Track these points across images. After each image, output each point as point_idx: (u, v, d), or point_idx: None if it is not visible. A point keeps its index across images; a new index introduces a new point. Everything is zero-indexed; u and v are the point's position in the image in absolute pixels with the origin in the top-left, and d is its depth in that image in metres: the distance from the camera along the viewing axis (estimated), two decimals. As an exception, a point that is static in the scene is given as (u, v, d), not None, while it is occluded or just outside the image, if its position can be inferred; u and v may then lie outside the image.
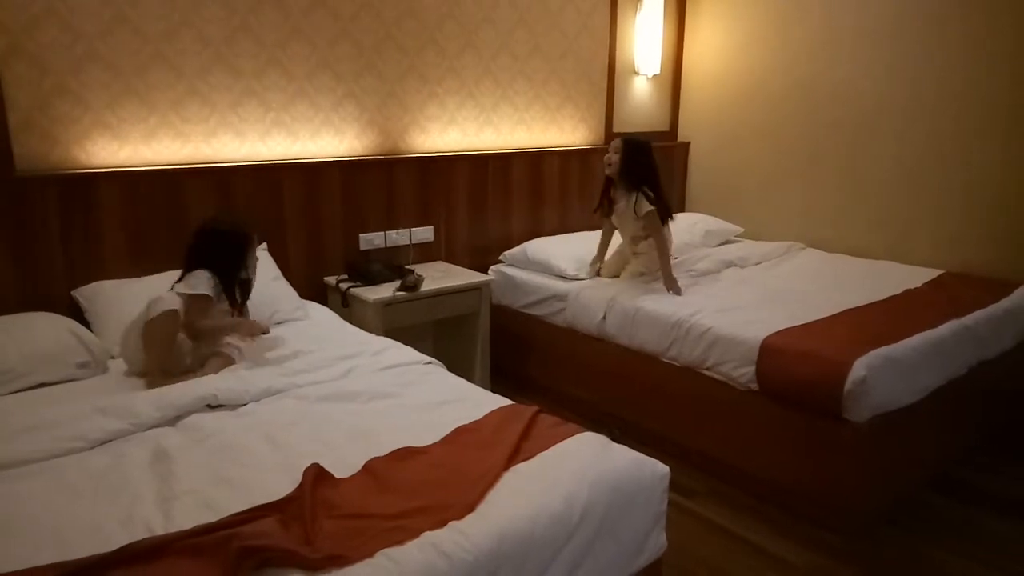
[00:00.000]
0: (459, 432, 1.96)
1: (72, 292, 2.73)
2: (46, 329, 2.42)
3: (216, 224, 2.54)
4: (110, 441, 1.92)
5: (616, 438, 1.99)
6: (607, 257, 3.72)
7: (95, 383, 2.34)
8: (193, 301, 2.40)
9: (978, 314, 2.98)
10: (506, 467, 1.76)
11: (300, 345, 2.60)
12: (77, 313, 2.68)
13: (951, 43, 3.62)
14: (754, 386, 2.73)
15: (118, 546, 1.42)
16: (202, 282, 2.43)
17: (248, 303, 2.64)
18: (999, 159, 3.52)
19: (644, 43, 4.49)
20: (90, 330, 2.56)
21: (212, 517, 1.54)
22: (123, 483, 1.72)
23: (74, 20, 2.65)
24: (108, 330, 2.59)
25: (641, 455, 1.90)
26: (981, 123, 3.56)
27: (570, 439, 1.91)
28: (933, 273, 3.57)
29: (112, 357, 2.52)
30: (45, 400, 2.18)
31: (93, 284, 2.75)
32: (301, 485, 1.65)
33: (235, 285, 2.54)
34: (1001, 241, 3.56)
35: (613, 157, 3.41)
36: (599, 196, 3.57)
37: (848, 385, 2.43)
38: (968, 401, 3.03)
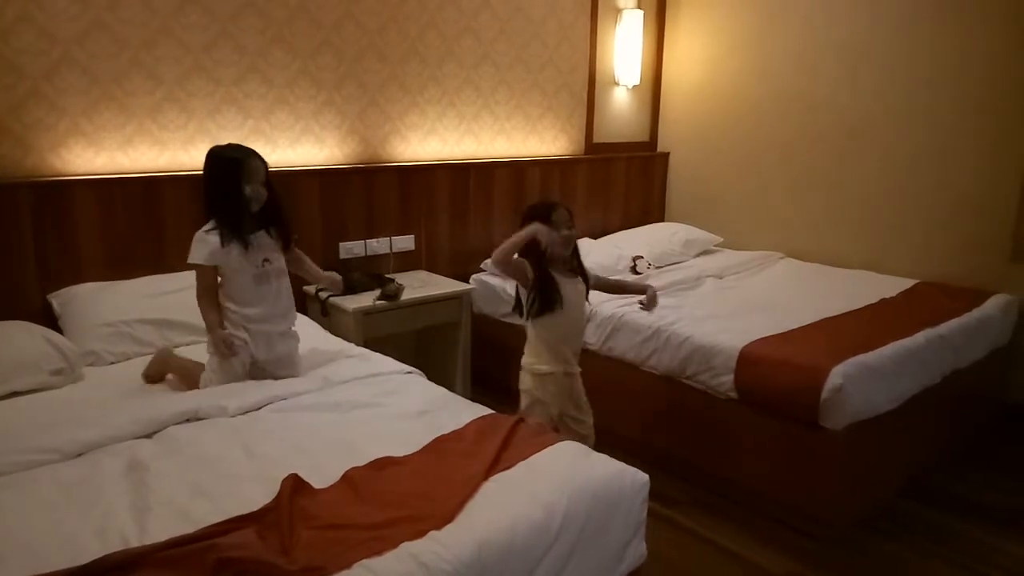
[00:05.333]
0: (439, 441, 1.95)
1: (48, 296, 2.69)
2: (19, 337, 2.38)
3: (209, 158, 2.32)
4: (84, 453, 1.89)
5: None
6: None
7: (69, 391, 2.31)
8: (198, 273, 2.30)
9: (952, 323, 3.02)
10: (486, 476, 1.75)
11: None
12: (51, 319, 2.64)
13: (929, 57, 3.68)
14: (733, 394, 2.75)
15: (92, 558, 1.40)
16: (199, 246, 2.27)
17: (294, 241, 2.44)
18: (973, 170, 3.59)
19: (624, 54, 4.53)
20: (64, 335, 2.52)
21: (188, 528, 1.52)
22: (97, 494, 1.69)
23: (50, 25, 2.63)
24: (83, 335, 2.56)
25: (621, 464, 1.90)
26: (957, 136, 3.63)
27: (550, 448, 1.90)
28: (908, 282, 3.62)
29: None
30: (18, 410, 2.15)
31: (68, 288, 2.72)
32: (279, 495, 1.64)
33: (242, 222, 2.29)
34: (974, 251, 3.62)
35: (576, 231, 2.49)
36: (537, 295, 2.42)
37: (825, 393, 2.46)
38: (942, 409, 3.07)
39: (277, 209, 2.40)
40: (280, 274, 2.43)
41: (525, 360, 2.56)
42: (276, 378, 2.41)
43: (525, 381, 2.55)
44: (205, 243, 2.28)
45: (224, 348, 2.29)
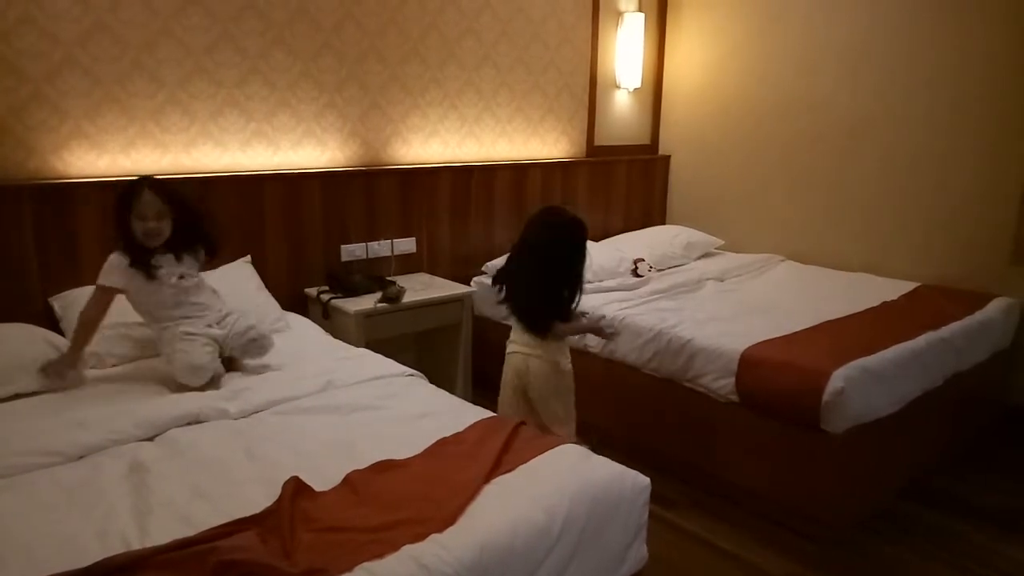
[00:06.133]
0: (440, 444, 1.95)
1: (49, 299, 2.69)
2: (21, 339, 2.38)
3: None
4: (85, 455, 1.89)
5: (596, 449, 1.99)
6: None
7: (70, 394, 2.30)
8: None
9: (954, 326, 3.02)
10: (487, 479, 1.75)
11: (281, 358, 2.58)
12: (52, 321, 2.64)
13: (929, 57, 3.68)
14: (734, 397, 2.75)
15: (92, 561, 1.40)
16: (110, 269, 2.32)
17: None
18: (974, 171, 3.58)
19: (625, 56, 4.53)
20: (65, 338, 2.51)
21: (189, 531, 1.52)
22: (98, 496, 1.69)
23: (52, 27, 2.63)
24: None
25: (622, 467, 1.90)
26: (957, 136, 3.63)
27: (551, 451, 1.90)
28: (909, 285, 3.62)
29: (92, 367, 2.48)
30: (19, 412, 2.15)
31: (70, 291, 2.71)
32: (280, 498, 1.64)
33: (141, 254, 2.31)
34: (975, 253, 3.61)
35: None
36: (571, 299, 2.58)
37: (826, 396, 2.45)
38: (943, 411, 3.07)
39: (189, 237, 2.42)
40: (199, 285, 2.48)
41: (558, 359, 2.56)
42: (254, 358, 2.51)
43: (562, 381, 2.57)
44: (119, 266, 2.31)
45: (55, 375, 2.28)
